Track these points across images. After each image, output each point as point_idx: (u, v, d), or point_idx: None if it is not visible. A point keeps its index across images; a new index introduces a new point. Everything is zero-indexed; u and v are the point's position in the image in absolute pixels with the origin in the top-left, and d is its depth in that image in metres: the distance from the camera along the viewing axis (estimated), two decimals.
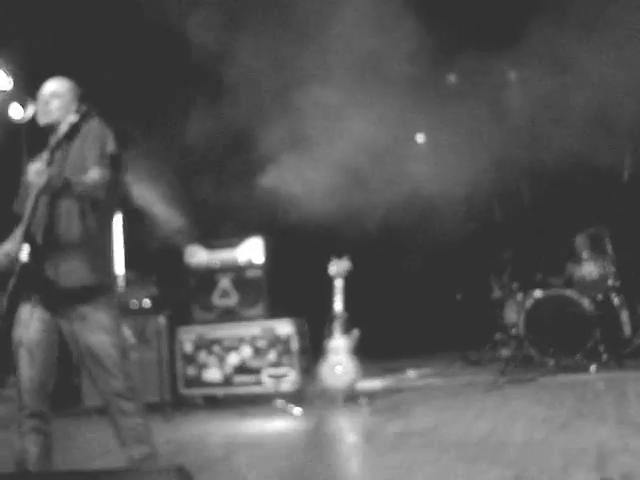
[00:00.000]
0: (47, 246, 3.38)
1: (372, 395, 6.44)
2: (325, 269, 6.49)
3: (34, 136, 3.85)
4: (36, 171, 3.15)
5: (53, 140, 3.30)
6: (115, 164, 3.48)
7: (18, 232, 3.58)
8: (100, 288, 3.46)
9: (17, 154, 6.02)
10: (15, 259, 3.27)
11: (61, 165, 3.37)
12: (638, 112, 6.42)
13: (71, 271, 3.38)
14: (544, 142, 7.27)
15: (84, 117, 3.22)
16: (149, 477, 1.77)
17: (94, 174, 3.37)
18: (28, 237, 3.27)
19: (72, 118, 3.20)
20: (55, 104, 3.66)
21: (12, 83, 5.90)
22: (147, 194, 7.30)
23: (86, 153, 3.40)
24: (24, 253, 3.20)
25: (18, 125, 4.99)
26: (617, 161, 7.44)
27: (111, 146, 3.46)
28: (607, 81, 6.26)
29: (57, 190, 3.24)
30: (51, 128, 3.68)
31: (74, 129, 3.20)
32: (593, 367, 6.70)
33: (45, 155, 3.24)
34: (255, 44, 6.11)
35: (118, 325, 3.54)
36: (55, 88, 3.72)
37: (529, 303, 7.38)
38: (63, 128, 3.22)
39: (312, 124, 6.42)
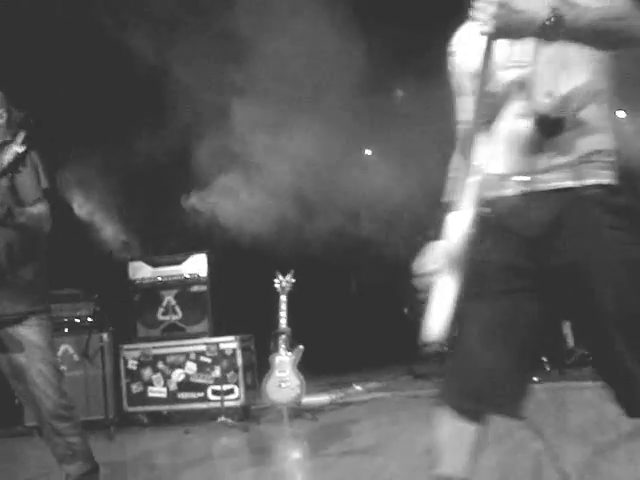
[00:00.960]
0: None
1: (318, 410, 6.44)
2: (270, 285, 6.48)
3: None
4: None
5: None
6: (48, 196, 3.48)
7: None
8: (32, 312, 3.43)
9: None
10: None
11: (4, 194, 3.33)
12: None
13: (6, 301, 3.35)
14: None
15: (29, 148, 3.16)
16: None
17: (40, 208, 3.38)
18: None
19: (18, 148, 3.13)
20: None
21: None
22: (90, 208, 7.24)
23: (21, 183, 3.37)
24: None
25: None
26: None
27: (44, 181, 3.46)
28: None
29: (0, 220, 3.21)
30: None
31: (19, 161, 3.13)
32: (536, 378, 6.76)
33: None
34: (194, 60, 6.11)
35: (51, 344, 3.50)
36: None
37: None
38: (8, 157, 3.14)
39: (255, 140, 6.43)
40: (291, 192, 6.55)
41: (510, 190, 2.04)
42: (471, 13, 1.93)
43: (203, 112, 6.25)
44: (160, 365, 6.71)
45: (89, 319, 6.83)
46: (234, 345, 6.55)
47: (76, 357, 6.62)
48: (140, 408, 6.77)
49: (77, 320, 6.83)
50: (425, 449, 4.36)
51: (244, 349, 6.62)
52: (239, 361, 6.51)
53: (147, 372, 6.74)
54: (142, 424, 6.75)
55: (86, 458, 3.41)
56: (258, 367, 6.78)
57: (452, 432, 2.07)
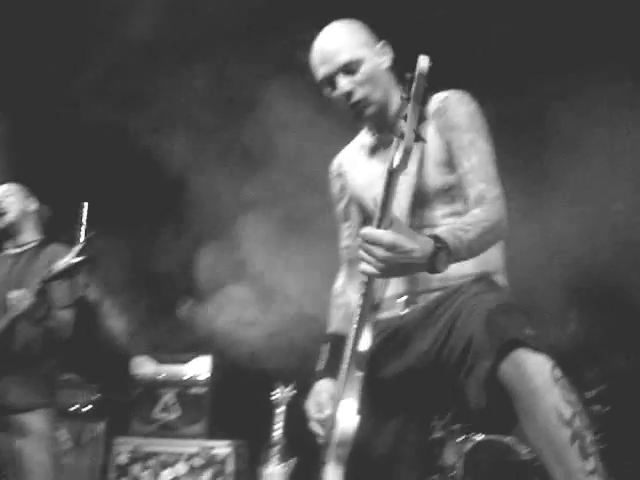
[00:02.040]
0: (3, 365, 3.50)
1: None
2: (270, 394, 6.53)
3: None
4: (20, 296, 3.27)
5: (45, 271, 3.37)
6: (80, 306, 3.65)
7: None
8: (42, 404, 3.54)
9: None
10: None
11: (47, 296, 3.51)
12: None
13: (18, 391, 3.47)
14: None
15: (84, 262, 3.33)
16: None
17: (67, 315, 3.55)
18: None
19: (72, 259, 3.29)
20: (8, 202, 3.82)
21: None
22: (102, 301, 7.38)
23: (57, 286, 3.52)
24: None
25: None
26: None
27: (81, 289, 3.61)
28: None
29: (35, 321, 3.37)
30: (6, 230, 3.81)
31: (70, 271, 3.30)
32: None
33: (36, 284, 3.34)
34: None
35: (54, 434, 3.60)
36: (4, 189, 3.89)
37: (469, 446, 7.44)
38: (61, 266, 3.30)
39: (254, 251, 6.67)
40: (297, 307, 6.69)
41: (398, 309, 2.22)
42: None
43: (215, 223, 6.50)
44: (151, 462, 6.69)
45: (87, 407, 6.87)
46: (227, 450, 6.55)
47: (69, 444, 6.63)
48: None
49: (75, 407, 6.87)
50: None
51: (237, 455, 6.62)
52: (230, 467, 6.50)
53: (137, 468, 6.71)
54: None
55: None
56: (249, 474, 6.75)
57: None
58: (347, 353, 2.20)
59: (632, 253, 6.53)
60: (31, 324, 3.42)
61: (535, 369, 1.87)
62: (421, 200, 2.26)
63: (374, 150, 2.47)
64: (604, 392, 7.49)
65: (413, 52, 1.88)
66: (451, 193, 2.26)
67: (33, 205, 3.92)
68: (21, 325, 3.47)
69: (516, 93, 6.07)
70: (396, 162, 1.88)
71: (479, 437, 7.36)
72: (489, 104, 2.29)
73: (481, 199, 2.14)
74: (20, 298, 3.30)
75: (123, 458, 6.78)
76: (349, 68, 2.33)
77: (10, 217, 3.80)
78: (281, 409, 6.45)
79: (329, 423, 2.31)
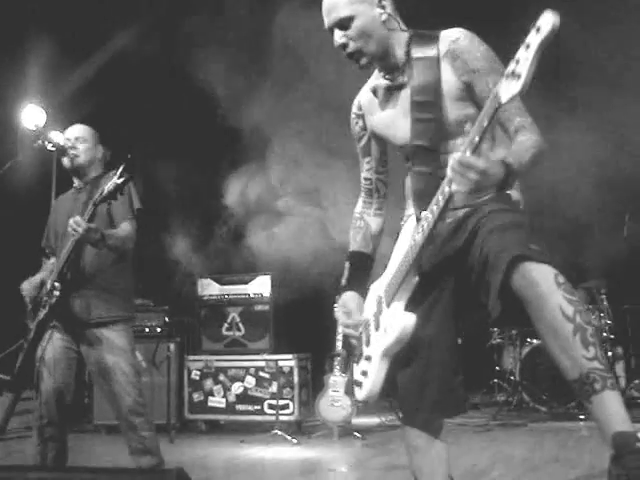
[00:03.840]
0: (77, 285, 3.82)
1: (367, 431, 6.75)
2: (330, 309, 6.81)
3: (63, 171, 4.30)
4: (75, 222, 3.57)
5: (96, 195, 3.68)
6: (139, 217, 3.93)
7: (48, 267, 4.03)
8: (122, 318, 3.89)
9: (47, 186, 6.49)
10: (47, 292, 3.72)
11: (102, 220, 3.81)
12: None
13: (96, 307, 3.81)
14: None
15: (127, 180, 3.62)
16: (150, 476, 2.13)
17: (126, 228, 3.85)
18: (61, 277, 3.71)
19: (117, 179, 3.59)
20: (81, 148, 4.11)
21: (45, 118, 6.34)
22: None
23: (116, 205, 3.82)
24: (56, 291, 3.65)
25: (49, 158, 5.45)
26: (618, 215, 7.71)
27: (137, 202, 3.90)
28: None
29: (93, 242, 3.68)
30: (77, 170, 4.12)
31: (117, 190, 3.60)
32: (582, 416, 6.92)
33: (89, 208, 3.64)
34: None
35: (133, 348, 3.96)
36: (80, 133, 4.16)
37: (526, 350, 7.68)
38: (108, 187, 3.60)
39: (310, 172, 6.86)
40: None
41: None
42: (448, 173, 2.17)
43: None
44: (221, 377, 7.14)
45: (158, 329, 7.31)
46: (292, 363, 6.94)
47: (144, 364, 7.08)
48: (200, 416, 7.22)
49: (147, 329, 7.31)
50: (463, 471, 4.66)
51: (301, 367, 7.01)
52: (295, 378, 6.90)
53: (209, 383, 7.17)
54: (201, 431, 7.20)
55: (154, 453, 3.83)
56: (313, 385, 7.15)
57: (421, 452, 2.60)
58: (405, 262, 2.43)
59: None
60: (92, 246, 3.73)
61: (540, 277, 2.10)
62: (443, 130, 2.47)
63: (388, 92, 2.63)
64: None
65: None
66: (466, 124, 2.45)
67: (101, 152, 4.20)
68: (85, 248, 3.80)
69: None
70: (506, 97, 2.01)
71: (535, 342, 7.60)
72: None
73: (521, 128, 2.34)
74: (76, 223, 3.60)
75: (195, 374, 7.23)
76: (342, 24, 2.51)
77: (80, 160, 4.10)
78: None
79: (360, 326, 2.63)
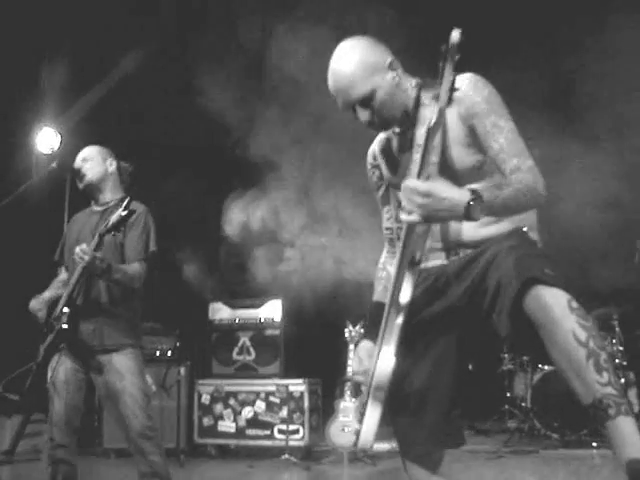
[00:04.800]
0: (86, 311, 3.83)
1: (377, 457, 6.70)
2: (340, 334, 6.81)
3: (76, 190, 4.34)
4: (82, 251, 3.60)
5: (102, 226, 3.70)
6: (153, 260, 3.96)
7: (56, 284, 4.06)
8: (129, 344, 3.89)
9: (61, 204, 6.54)
10: (56, 317, 3.73)
11: (109, 251, 3.83)
12: None
13: (105, 335, 3.83)
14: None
15: (132, 212, 3.64)
16: None
17: (136, 268, 3.88)
18: (70, 302, 3.73)
19: (122, 211, 3.62)
20: (87, 166, 4.15)
21: (60, 141, 6.40)
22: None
23: (130, 240, 3.84)
24: (64, 317, 3.66)
25: (63, 178, 5.50)
26: (629, 242, 7.69)
27: (154, 244, 3.92)
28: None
29: (99, 273, 3.70)
30: (88, 189, 4.16)
31: (122, 222, 3.62)
32: (595, 444, 6.85)
33: (95, 239, 3.66)
34: None
35: (142, 371, 3.96)
36: (84, 154, 4.22)
37: (537, 377, 7.63)
38: (113, 218, 3.63)
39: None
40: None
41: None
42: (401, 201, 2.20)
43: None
44: (231, 401, 7.12)
45: (169, 353, 7.30)
46: (302, 388, 6.91)
47: (154, 387, 7.07)
48: (210, 440, 7.19)
49: (158, 353, 7.30)
50: None
51: (311, 392, 6.99)
52: (306, 403, 6.88)
53: (219, 407, 7.16)
54: (210, 455, 7.17)
55: (164, 477, 3.82)
56: (323, 411, 7.12)
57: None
58: (387, 303, 2.43)
59: None
60: (97, 277, 3.75)
61: (554, 301, 2.10)
62: (450, 175, 2.39)
63: (401, 141, 2.63)
64: None
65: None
66: (482, 171, 2.45)
67: (112, 166, 4.21)
68: (89, 277, 3.81)
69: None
70: (433, 120, 2.11)
71: (547, 368, 7.54)
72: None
73: (516, 170, 2.31)
74: (83, 252, 3.62)
75: (205, 398, 7.22)
76: (364, 102, 2.48)
77: (88, 179, 4.12)
78: (351, 347, 6.75)
79: (368, 374, 2.58)
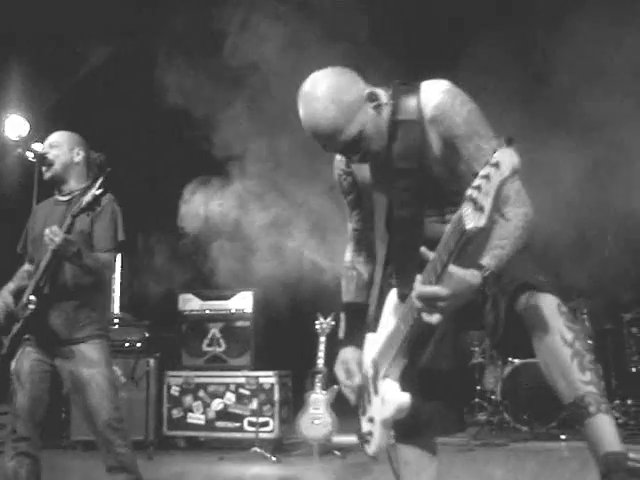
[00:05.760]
0: (53, 299, 3.75)
1: (347, 449, 6.68)
2: (311, 325, 6.78)
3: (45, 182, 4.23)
4: (52, 233, 3.51)
5: (74, 208, 3.62)
6: (122, 249, 3.88)
7: (20, 274, 3.97)
8: (96, 335, 3.82)
9: (29, 196, 6.42)
10: (23, 306, 3.64)
11: (80, 235, 3.74)
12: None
13: (73, 324, 3.75)
14: None
15: (105, 192, 3.57)
16: None
17: (107, 257, 3.79)
18: (37, 290, 3.64)
19: (95, 190, 3.54)
20: (54, 153, 4.03)
21: (28, 128, 6.28)
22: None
23: (99, 230, 3.76)
24: (31, 305, 3.58)
25: (31, 167, 5.38)
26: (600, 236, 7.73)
27: (122, 233, 3.84)
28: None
29: (68, 256, 3.61)
30: (53, 178, 4.04)
31: (95, 202, 3.54)
32: (564, 436, 6.90)
33: (67, 220, 3.58)
34: None
35: (109, 362, 3.88)
36: (52, 138, 4.08)
37: (507, 370, 7.65)
38: (86, 199, 3.55)
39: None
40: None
41: None
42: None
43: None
44: (201, 393, 7.07)
45: (138, 344, 7.23)
46: (272, 380, 6.88)
47: (123, 379, 6.99)
48: (179, 433, 7.14)
49: (127, 344, 7.22)
50: None
51: (282, 384, 6.96)
52: (276, 396, 6.84)
53: (188, 399, 7.10)
54: (180, 448, 7.11)
55: (131, 470, 3.75)
56: (293, 403, 7.09)
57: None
58: (394, 342, 2.40)
59: None
60: (66, 260, 3.66)
61: (544, 304, 2.19)
62: (431, 197, 2.44)
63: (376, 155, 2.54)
64: None
65: None
66: (463, 179, 2.35)
67: (79, 155, 4.09)
68: (64, 262, 3.73)
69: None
70: (471, 226, 1.92)
71: (517, 361, 7.57)
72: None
73: (505, 199, 2.20)
74: (53, 233, 3.54)
75: (175, 390, 7.16)
76: (354, 143, 2.37)
77: (55, 167, 4.01)
78: (322, 339, 6.72)
79: (360, 389, 2.63)
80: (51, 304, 3.74)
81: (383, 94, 2.46)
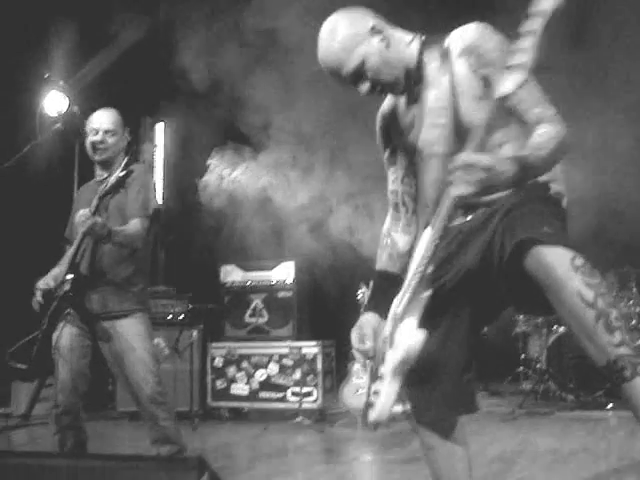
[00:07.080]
0: (89, 277, 3.77)
1: (392, 418, 6.67)
2: (354, 295, 6.75)
3: (85, 157, 4.23)
4: (82, 216, 3.52)
5: (101, 189, 3.63)
6: (155, 216, 3.87)
7: (64, 261, 3.99)
8: (136, 309, 3.84)
9: (70, 170, 6.47)
10: (60, 285, 3.67)
11: (106, 213, 3.75)
12: None
13: (111, 301, 3.77)
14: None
15: (131, 172, 3.56)
16: (170, 464, 2.07)
17: (135, 226, 3.78)
18: (73, 268, 3.66)
19: (120, 172, 3.54)
20: (111, 141, 4.01)
21: (68, 104, 6.31)
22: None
23: (129, 200, 3.76)
24: (67, 283, 3.61)
25: (71, 143, 5.38)
26: None
27: (154, 201, 3.83)
28: None
29: (99, 237, 3.62)
30: (104, 162, 4.04)
31: (121, 183, 3.54)
32: (610, 405, 6.81)
33: (93, 202, 3.59)
34: None
35: (150, 335, 3.90)
36: (109, 125, 4.02)
37: (552, 338, 7.57)
38: (111, 180, 3.55)
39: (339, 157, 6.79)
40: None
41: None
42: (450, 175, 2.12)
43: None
44: (244, 364, 7.10)
45: (181, 316, 7.28)
46: (315, 350, 6.88)
47: (167, 351, 7.05)
48: (223, 403, 7.19)
49: (170, 316, 7.27)
50: (490, 460, 4.59)
51: (325, 354, 6.95)
52: (319, 366, 6.84)
53: (232, 370, 7.14)
54: (223, 418, 7.16)
55: (175, 442, 3.79)
56: (337, 373, 7.09)
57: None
58: (414, 276, 2.33)
59: None
60: (98, 241, 3.68)
61: (555, 261, 2.00)
62: (462, 134, 2.33)
63: (409, 100, 2.54)
64: None
65: None
66: (496, 123, 2.32)
67: (127, 139, 4.10)
68: (92, 242, 3.74)
69: None
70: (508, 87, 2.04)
71: (562, 330, 7.48)
72: None
73: (540, 120, 2.22)
74: (82, 217, 3.55)
75: (218, 361, 7.20)
76: (357, 75, 2.45)
77: (109, 153, 4.00)
78: None
79: (371, 353, 2.54)
80: (88, 282, 3.76)
81: (400, 32, 2.54)
